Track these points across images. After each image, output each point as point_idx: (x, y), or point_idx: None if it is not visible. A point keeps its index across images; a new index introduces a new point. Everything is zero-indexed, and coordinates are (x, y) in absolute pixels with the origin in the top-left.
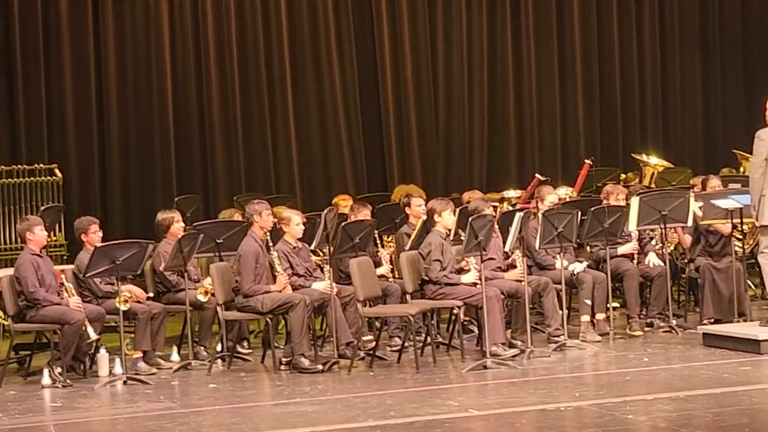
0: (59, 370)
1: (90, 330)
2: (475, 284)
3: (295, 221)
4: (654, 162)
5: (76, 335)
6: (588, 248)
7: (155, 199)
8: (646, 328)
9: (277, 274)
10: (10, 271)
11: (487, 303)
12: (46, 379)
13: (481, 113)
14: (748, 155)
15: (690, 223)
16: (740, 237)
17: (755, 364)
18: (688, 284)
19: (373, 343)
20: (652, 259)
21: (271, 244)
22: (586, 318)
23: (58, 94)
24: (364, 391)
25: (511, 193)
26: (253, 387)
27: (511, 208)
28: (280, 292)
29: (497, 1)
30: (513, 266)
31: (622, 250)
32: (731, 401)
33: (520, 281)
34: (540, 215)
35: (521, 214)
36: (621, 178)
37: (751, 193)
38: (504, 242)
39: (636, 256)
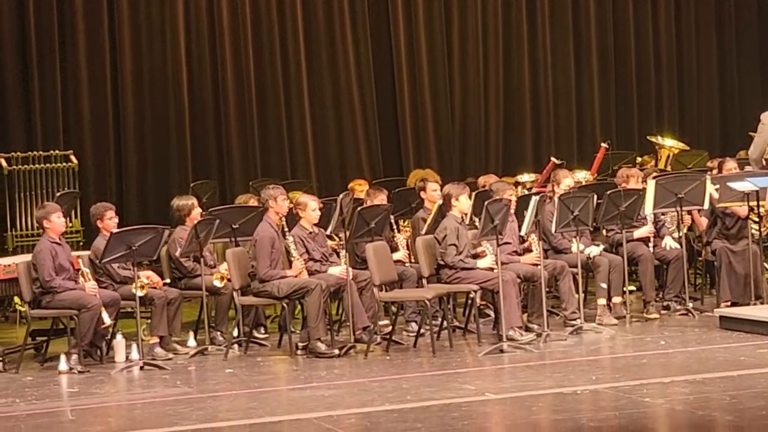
0: (76, 356)
1: (104, 315)
2: (491, 268)
3: (311, 206)
4: (669, 144)
5: (93, 320)
6: (604, 232)
7: (171, 184)
8: (663, 312)
9: (292, 259)
10: (28, 257)
11: (504, 287)
12: (62, 365)
13: (496, 97)
14: None
15: (706, 205)
16: (757, 220)
17: None
18: (704, 267)
19: (390, 328)
20: (668, 243)
21: (286, 229)
22: (602, 301)
23: (73, 80)
24: (381, 375)
25: (525, 177)
26: (270, 372)
27: (526, 192)
28: (296, 277)
29: None
30: (529, 250)
31: (637, 233)
32: (748, 384)
33: (537, 265)
34: (556, 199)
35: (537, 197)
36: (637, 161)
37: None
38: (520, 226)
39: (652, 239)
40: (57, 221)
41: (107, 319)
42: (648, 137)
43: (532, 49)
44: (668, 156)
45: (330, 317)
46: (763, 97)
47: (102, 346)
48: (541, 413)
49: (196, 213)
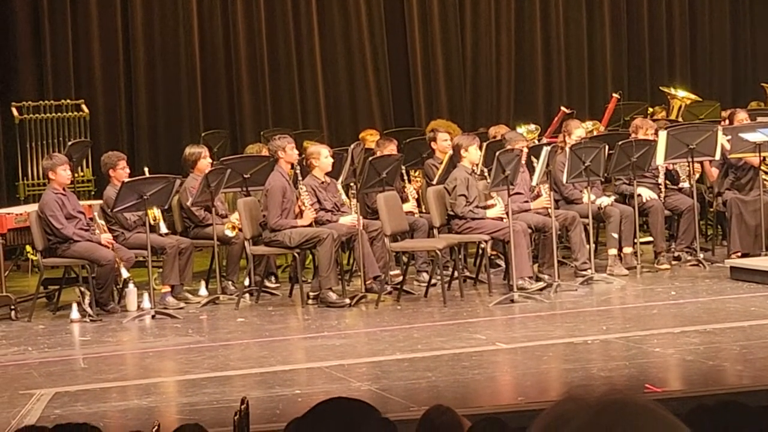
0: (90, 304)
1: (123, 270)
2: (501, 218)
3: (324, 154)
4: (682, 95)
5: (110, 274)
6: (615, 182)
7: (182, 134)
8: (674, 262)
9: (304, 208)
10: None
11: (514, 237)
12: (74, 314)
13: (508, 47)
14: None
15: (718, 156)
16: None
17: None
18: (715, 218)
19: (401, 278)
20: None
21: (300, 178)
22: (613, 252)
23: (85, 28)
24: (392, 324)
25: (523, 129)
26: (281, 321)
27: (536, 143)
28: (307, 226)
29: None
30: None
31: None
32: (759, 334)
33: (547, 215)
34: (567, 149)
35: (548, 148)
36: (648, 111)
37: None
38: (531, 177)
39: (663, 190)
40: (63, 174)
41: (125, 273)
42: (660, 88)
43: None
44: (680, 107)
45: (341, 267)
46: None
47: (113, 290)
48: (552, 363)
49: (204, 162)
